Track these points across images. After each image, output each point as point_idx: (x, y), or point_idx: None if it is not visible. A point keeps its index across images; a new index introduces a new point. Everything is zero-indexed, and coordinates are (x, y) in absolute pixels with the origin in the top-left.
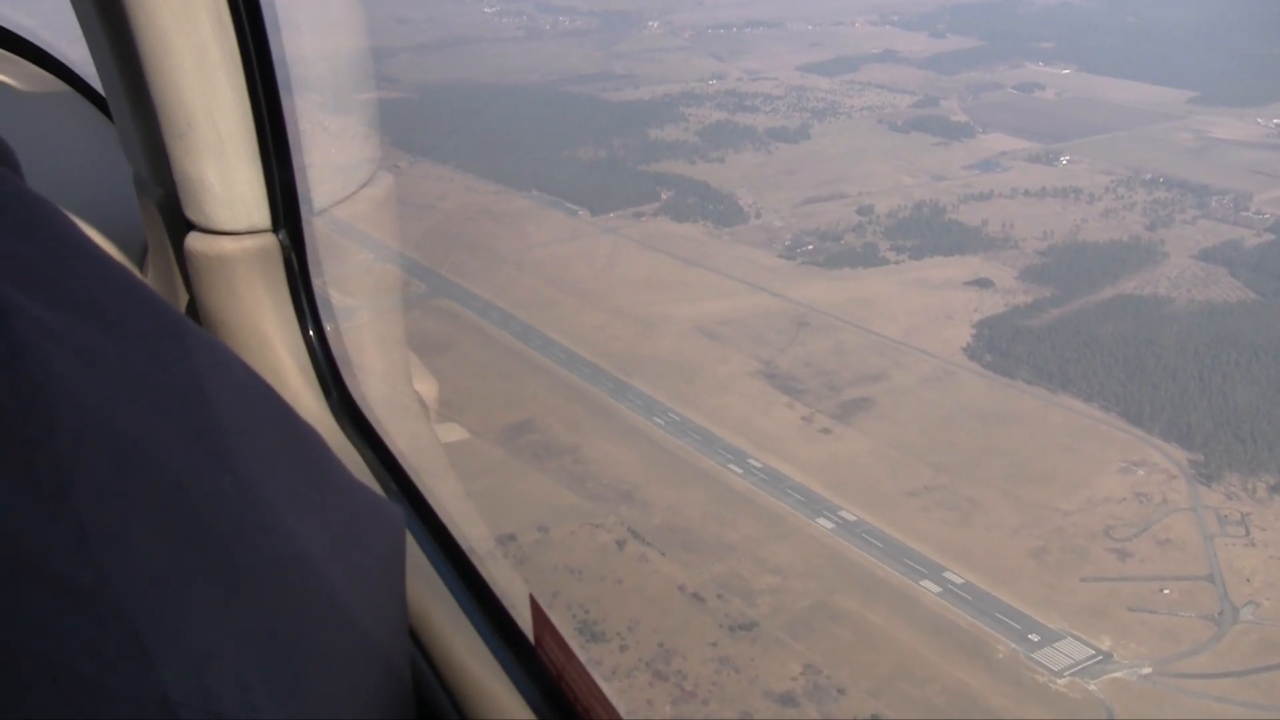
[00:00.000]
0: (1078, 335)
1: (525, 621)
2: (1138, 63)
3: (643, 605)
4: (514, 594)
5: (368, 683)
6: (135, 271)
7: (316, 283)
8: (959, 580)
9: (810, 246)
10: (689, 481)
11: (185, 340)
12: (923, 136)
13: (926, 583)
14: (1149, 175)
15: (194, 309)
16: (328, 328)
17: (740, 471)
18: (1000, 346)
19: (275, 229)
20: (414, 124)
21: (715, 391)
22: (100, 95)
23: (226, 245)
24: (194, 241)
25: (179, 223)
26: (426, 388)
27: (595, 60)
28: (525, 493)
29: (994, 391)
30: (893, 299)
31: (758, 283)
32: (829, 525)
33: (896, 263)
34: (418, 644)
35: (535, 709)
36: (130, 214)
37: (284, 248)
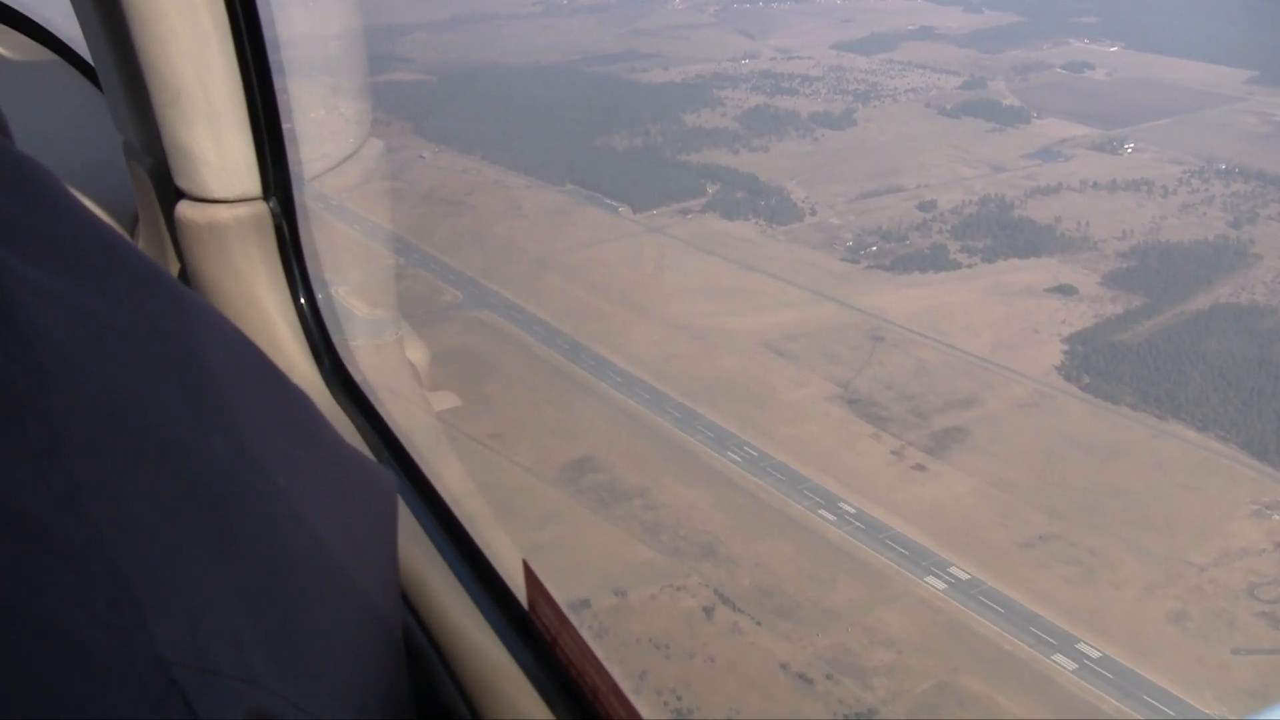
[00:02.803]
0: (1180, 352)
1: (519, 586)
2: (1187, 39)
3: (742, 688)
4: (507, 559)
5: (361, 641)
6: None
7: (308, 251)
8: (1095, 654)
9: (874, 248)
10: (776, 531)
11: (176, 301)
12: (974, 122)
13: (1059, 657)
14: (1223, 165)
15: (185, 277)
16: (318, 296)
17: (832, 518)
18: (1097, 366)
19: (266, 197)
20: (434, 109)
21: (792, 420)
22: (90, 66)
23: (217, 213)
24: (185, 209)
25: (169, 191)
26: (418, 355)
27: (619, 38)
28: (595, 546)
29: (1097, 419)
30: (971, 309)
31: (823, 290)
32: (940, 585)
33: (969, 266)
34: (411, 609)
35: (528, 672)
36: (121, 183)
37: (275, 215)
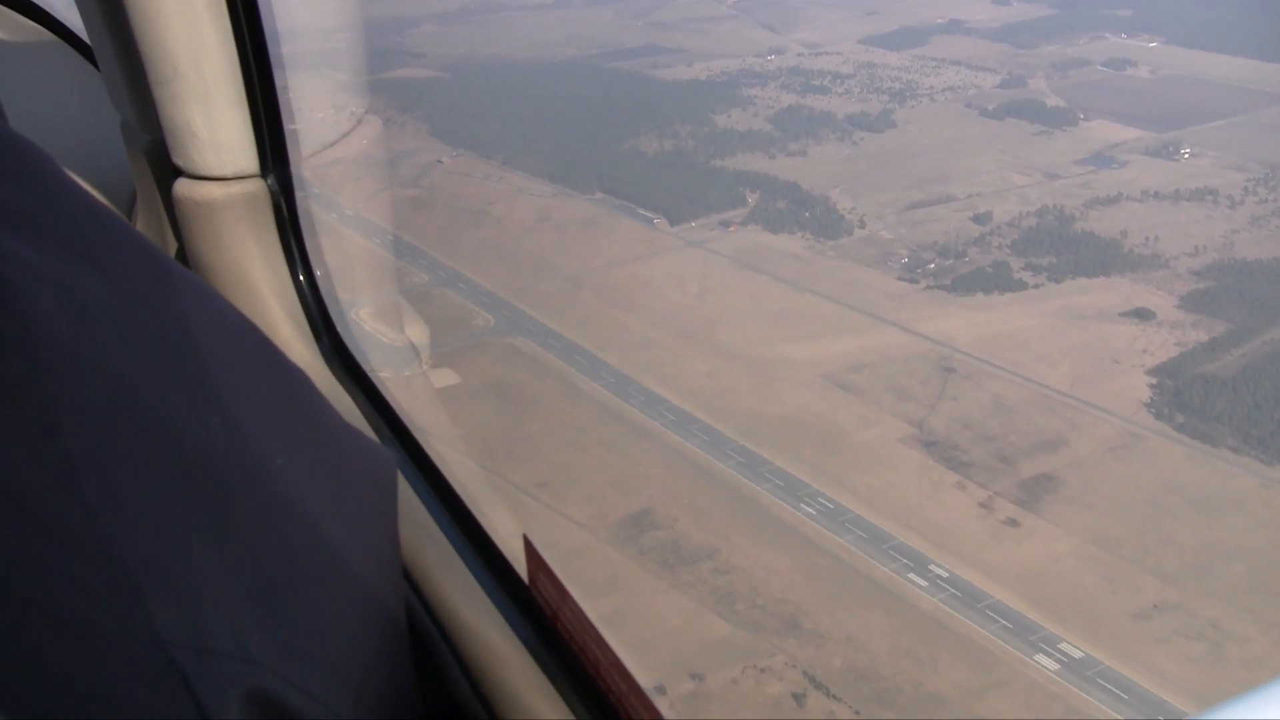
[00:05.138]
0: (1279, 388)
1: (520, 561)
2: (1229, 34)
3: None
4: (508, 535)
5: (361, 619)
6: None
7: (306, 228)
8: None
9: (932, 265)
10: (864, 599)
11: (174, 282)
12: (1019, 124)
13: None
14: None
15: (183, 255)
16: (317, 273)
17: (924, 584)
18: (1190, 403)
19: (264, 174)
20: (450, 109)
21: (866, 466)
22: (86, 44)
23: (215, 191)
24: (182, 188)
25: (167, 169)
26: (417, 333)
27: (636, 31)
28: (663, 619)
29: (1198, 465)
30: (1044, 336)
31: (882, 314)
32: (1052, 666)
33: (1035, 286)
34: (412, 586)
35: (529, 647)
36: (118, 162)
37: (273, 193)
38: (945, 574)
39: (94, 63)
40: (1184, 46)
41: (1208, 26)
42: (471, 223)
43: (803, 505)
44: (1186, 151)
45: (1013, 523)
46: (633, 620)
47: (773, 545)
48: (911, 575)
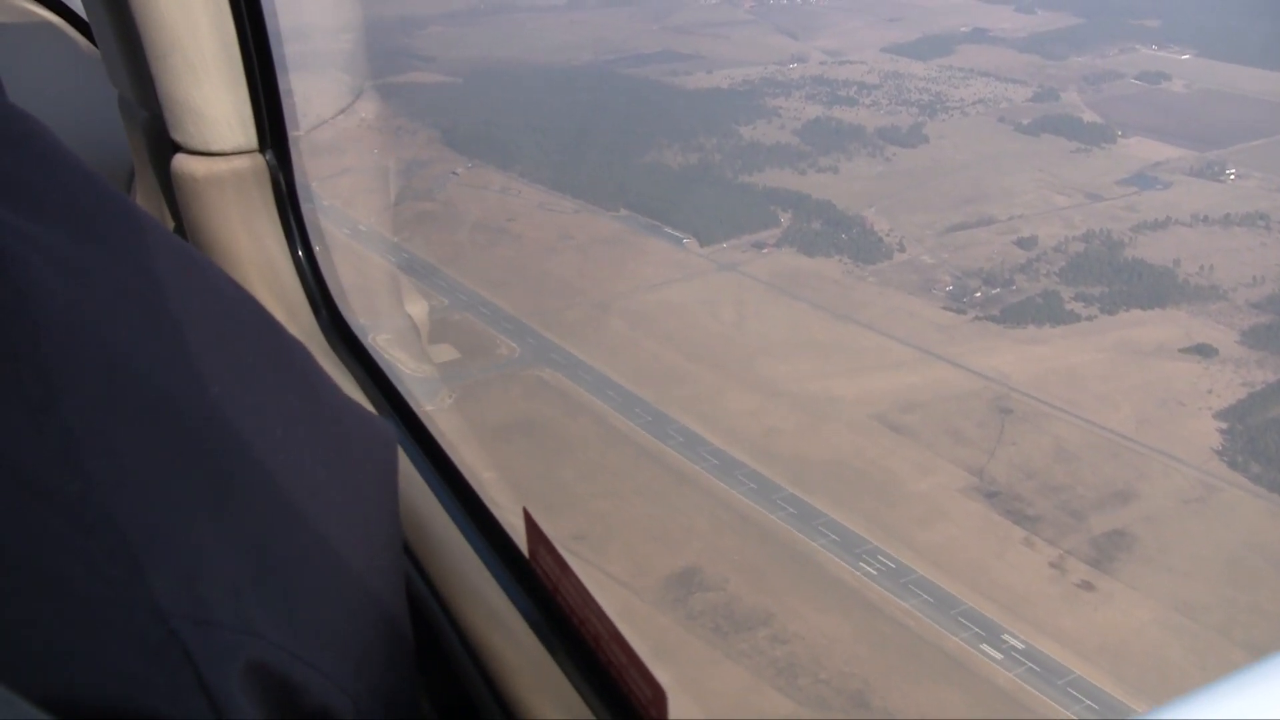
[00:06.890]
0: None
1: (520, 535)
2: (1263, 47)
3: None
4: (508, 508)
5: (362, 592)
6: None
7: (304, 203)
8: None
9: (978, 294)
10: (935, 673)
11: (172, 254)
12: (1055, 140)
13: None
14: None
15: (182, 231)
16: (316, 248)
17: (998, 657)
18: (1266, 451)
19: (262, 149)
20: (463, 117)
21: (927, 519)
22: (84, 21)
23: (213, 166)
24: (180, 163)
25: (165, 145)
26: (417, 309)
27: (652, 36)
28: (720, 694)
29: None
30: (1102, 374)
31: (930, 347)
32: None
33: (1088, 319)
34: (412, 559)
35: (530, 620)
36: (116, 139)
37: (271, 168)
38: (1021, 645)
39: (91, 39)
40: (1217, 59)
41: (1238, 38)
42: (491, 240)
43: (862, 564)
44: (1232, 172)
45: (1087, 585)
46: (687, 694)
47: (833, 609)
48: (984, 646)
